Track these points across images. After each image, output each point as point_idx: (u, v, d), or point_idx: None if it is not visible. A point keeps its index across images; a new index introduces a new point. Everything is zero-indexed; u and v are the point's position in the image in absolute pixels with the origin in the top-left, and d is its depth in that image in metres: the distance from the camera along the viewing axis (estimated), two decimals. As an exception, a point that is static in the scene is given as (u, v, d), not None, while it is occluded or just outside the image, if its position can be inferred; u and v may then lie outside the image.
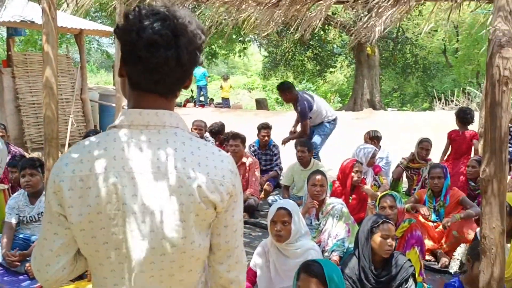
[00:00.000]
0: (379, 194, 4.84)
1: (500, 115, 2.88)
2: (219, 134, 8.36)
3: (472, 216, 5.00)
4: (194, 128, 8.16)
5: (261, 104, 20.44)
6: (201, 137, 8.04)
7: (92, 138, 1.46)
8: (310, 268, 2.49)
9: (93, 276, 1.50)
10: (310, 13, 5.46)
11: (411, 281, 3.50)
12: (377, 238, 3.49)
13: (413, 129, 8.56)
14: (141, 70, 1.39)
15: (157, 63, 1.36)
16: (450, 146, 7.05)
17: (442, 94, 23.65)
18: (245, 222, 6.16)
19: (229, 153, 6.71)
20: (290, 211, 3.73)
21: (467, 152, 6.93)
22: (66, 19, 10.10)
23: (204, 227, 1.45)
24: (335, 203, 4.87)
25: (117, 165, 1.39)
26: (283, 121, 14.60)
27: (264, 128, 7.87)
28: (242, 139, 6.73)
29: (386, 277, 3.49)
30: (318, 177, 4.95)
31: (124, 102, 5.16)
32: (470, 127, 7.03)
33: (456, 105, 20.28)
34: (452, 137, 7.00)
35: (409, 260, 3.61)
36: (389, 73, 29.25)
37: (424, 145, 6.81)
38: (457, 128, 7.00)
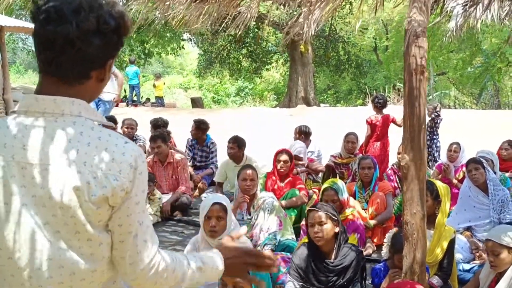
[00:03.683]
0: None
1: (418, 103, 2.96)
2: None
3: (385, 219, 5.16)
4: (125, 127, 7.94)
5: (196, 103, 20.34)
6: (132, 135, 7.88)
7: None
8: None
9: None
10: (241, 9, 5.44)
11: (360, 274, 3.55)
12: (309, 227, 3.54)
13: (345, 124, 8.74)
14: (36, 46, 1.33)
15: (46, 38, 1.29)
16: (371, 130, 7.74)
17: (374, 91, 24.42)
18: (178, 220, 6.09)
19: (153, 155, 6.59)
20: (225, 205, 3.68)
21: (386, 134, 7.76)
22: (-16, 16, 9.59)
23: (103, 226, 1.37)
24: (266, 197, 4.86)
25: (6, 153, 1.31)
26: (217, 118, 14.64)
27: (199, 124, 7.78)
28: (163, 139, 6.55)
29: (337, 266, 3.51)
30: (249, 171, 4.94)
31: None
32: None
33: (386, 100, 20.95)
34: (371, 123, 7.71)
35: (361, 252, 3.68)
36: (323, 70, 29.88)
37: (350, 138, 6.97)
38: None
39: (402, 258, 3.02)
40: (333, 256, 3.54)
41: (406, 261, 2.98)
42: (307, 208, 3.77)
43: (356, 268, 3.50)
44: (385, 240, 4.86)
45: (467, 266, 4.51)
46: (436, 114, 8.05)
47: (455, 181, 6.20)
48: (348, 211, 4.42)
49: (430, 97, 25.64)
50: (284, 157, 5.71)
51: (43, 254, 1.32)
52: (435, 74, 28.04)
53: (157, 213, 6.02)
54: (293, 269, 3.59)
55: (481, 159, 5.19)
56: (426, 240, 2.99)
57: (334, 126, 9.20)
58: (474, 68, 25.50)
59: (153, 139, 6.59)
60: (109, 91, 9.23)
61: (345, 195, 4.45)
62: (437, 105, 8.34)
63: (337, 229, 3.54)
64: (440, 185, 4.31)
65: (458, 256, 4.66)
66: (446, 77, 30.04)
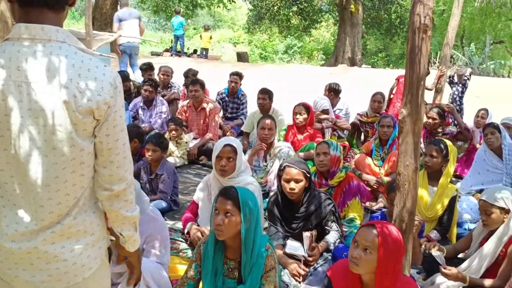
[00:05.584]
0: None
1: (419, 60, 3.06)
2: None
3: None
4: (161, 74, 8.28)
5: (241, 57, 20.42)
6: (167, 82, 8.21)
7: None
8: (227, 192, 2.69)
9: None
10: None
11: (332, 217, 3.74)
12: (282, 181, 3.69)
13: (381, 86, 8.73)
14: None
15: None
16: (397, 88, 7.87)
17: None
18: (203, 165, 6.41)
19: (190, 98, 6.91)
20: (236, 147, 3.92)
21: None
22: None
23: (86, 135, 1.65)
24: (282, 147, 5.08)
25: (4, 73, 1.57)
26: (260, 73, 14.75)
27: (234, 75, 8.04)
28: (202, 85, 6.92)
29: (304, 213, 3.70)
30: (267, 121, 5.14)
31: None
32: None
33: (438, 67, 20.44)
34: (399, 80, 7.90)
35: (329, 198, 3.80)
36: (374, 33, 29.16)
37: (376, 97, 7.00)
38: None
39: (393, 199, 3.17)
40: (300, 205, 3.71)
41: (397, 209, 3.13)
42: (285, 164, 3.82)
43: (321, 213, 3.67)
44: (383, 191, 5.02)
45: (473, 226, 4.62)
46: (466, 79, 8.02)
47: (478, 146, 6.21)
48: (342, 173, 4.44)
49: (484, 65, 24.78)
50: (299, 109, 5.88)
51: (38, 160, 1.61)
52: (491, 42, 26.96)
53: (184, 156, 6.37)
54: (269, 214, 3.81)
55: (498, 124, 5.21)
56: (417, 191, 3.11)
57: (371, 87, 9.19)
58: (534, 37, 24.37)
59: (192, 82, 6.93)
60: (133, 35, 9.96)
61: (336, 152, 4.43)
62: (466, 70, 8.28)
63: (307, 184, 3.69)
64: (450, 145, 4.42)
65: (466, 216, 4.80)
66: (503, 46, 28.78)
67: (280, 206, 3.76)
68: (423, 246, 3.63)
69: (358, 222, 4.18)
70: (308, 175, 3.68)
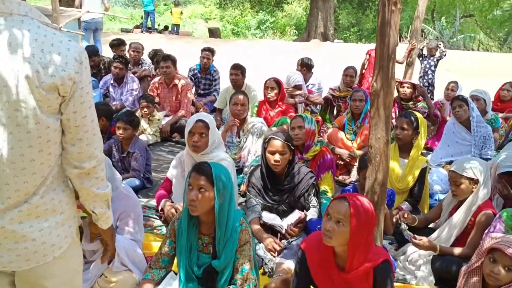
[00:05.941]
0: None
1: (388, 33, 3.06)
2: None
3: None
4: (131, 50, 8.13)
5: (213, 33, 20.19)
6: (138, 59, 8.08)
7: None
8: (200, 168, 2.67)
9: None
10: None
11: (313, 190, 3.77)
12: (267, 153, 3.68)
13: (353, 61, 8.77)
14: None
15: None
16: (368, 63, 8.02)
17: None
18: (176, 142, 6.37)
19: (161, 74, 6.83)
20: (208, 123, 3.89)
21: None
22: None
23: (51, 112, 1.60)
24: (255, 122, 5.07)
25: None
26: (232, 48, 14.63)
27: (205, 50, 7.95)
28: (173, 61, 6.83)
29: (287, 186, 3.72)
30: (240, 96, 5.11)
31: None
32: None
33: (409, 41, 20.64)
34: (370, 54, 7.96)
35: (311, 171, 3.83)
36: (346, 7, 29.11)
37: (348, 72, 7.00)
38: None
39: (365, 175, 3.20)
40: (283, 178, 3.73)
41: (368, 182, 3.17)
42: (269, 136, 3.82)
43: (304, 185, 3.70)
44: (355, 164, 5.10)
45: (443, 197, 4.72)
46: (442, 52, 8.11)
47: (448, 118, 6.31)
48: (317, 146, 4.45)
49: (454, 39, 25.06)
50: (270, 84, 5.86)
51: (2, 137, 1.57)
52: (461, 15, 27.22)
53: (156, 133, 6.32)
54: (251, 187, 3.81)
55: (466, 97, 5.29)
56: (388, 163, 3.15)
57: (344, 62, 9.21)
58: (502, 11, 24.68)
59: (163, 59, 6.84)
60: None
61: (311, 126, 4.44)
62: (438, 43, 8.40)
63: (291, 157, 3.72)
64: (421, 117, 4.48)
65: (437, 187, 4.90)
66: (473, 20, 29.12)
67: (264, 178, 3.76)
68: (396, 216, 3.69)
69: (329, 194, 4.22)
70: (292, 148, 3.69)
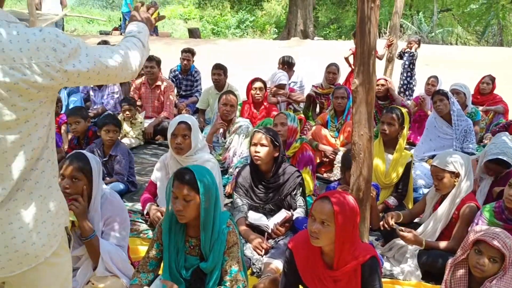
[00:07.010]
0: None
1: (369, 30, 3.08)
2: None
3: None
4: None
5: (193, 33, 20.07)
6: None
7: None
8: (182, 176, 2.61)
9: None
10: None
11: (300, 190, 3.77)
12: (251, 147, 3.71)
13: (334, 58, 8.79)
14: None
15: None
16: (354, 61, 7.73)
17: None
18: (160, 144, 6.32)
19: (145, 74, 6.78)
20: (190, 125, 3.87)
21: None
22: None
23: (46, 107, 1.60)
24: (242, 123, 5.05)
25: None
26: (212, 49, 14.58)
27: (185, 52, 7.91)
28: (157, 62, 6.79)
29: (274, 184, 3.73)
30: (230, 97, 5.08)
31: None
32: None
33: (388, 37, 20.78)
34: (354, 53, 7.63)
35: (297, 171, 3.83)
36: (325, 4, 29.18)
37: (331, 69, 7.04)
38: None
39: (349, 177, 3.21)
40: (270, 175, 3.74)
41: (353, 178, 3.18)
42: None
43: (291, 184, 3.71)
44: (336, 162, 5.11)
45: (427, 191, 4.76)
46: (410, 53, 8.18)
47: (430, 113, 6.36)
48: (297, 143, 4.49)
49: (433, 33, 25.28)
50: (258, 84, 5.85)
51: None
52: (439, 10, 27.47)
53: (139, 136, 6.26)
54: (238, 187, 3.82)
55: (446, 91, 5.34)
56: (372, 159, 3.17)
57: (324, 59, 9.24)
58: (479, 5, 24.97)
59: (148, 59, 6.75)
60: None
61: (293, 123, 4.48)
62: (417, 38, 8.45)
63: (276, 154, 3.72)
64: (406, 112, 4.51)
65: (420, 182, 4.94)
66: (450, 14, 29.41)
67: (251, 176, 3.77)
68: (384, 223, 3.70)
69: (307, 190, 4.23)
70: (277, 144, 3.70)
